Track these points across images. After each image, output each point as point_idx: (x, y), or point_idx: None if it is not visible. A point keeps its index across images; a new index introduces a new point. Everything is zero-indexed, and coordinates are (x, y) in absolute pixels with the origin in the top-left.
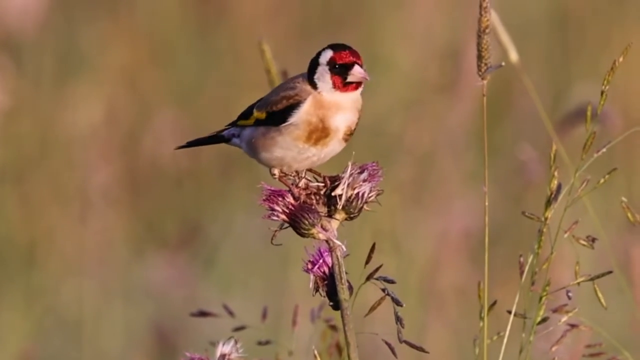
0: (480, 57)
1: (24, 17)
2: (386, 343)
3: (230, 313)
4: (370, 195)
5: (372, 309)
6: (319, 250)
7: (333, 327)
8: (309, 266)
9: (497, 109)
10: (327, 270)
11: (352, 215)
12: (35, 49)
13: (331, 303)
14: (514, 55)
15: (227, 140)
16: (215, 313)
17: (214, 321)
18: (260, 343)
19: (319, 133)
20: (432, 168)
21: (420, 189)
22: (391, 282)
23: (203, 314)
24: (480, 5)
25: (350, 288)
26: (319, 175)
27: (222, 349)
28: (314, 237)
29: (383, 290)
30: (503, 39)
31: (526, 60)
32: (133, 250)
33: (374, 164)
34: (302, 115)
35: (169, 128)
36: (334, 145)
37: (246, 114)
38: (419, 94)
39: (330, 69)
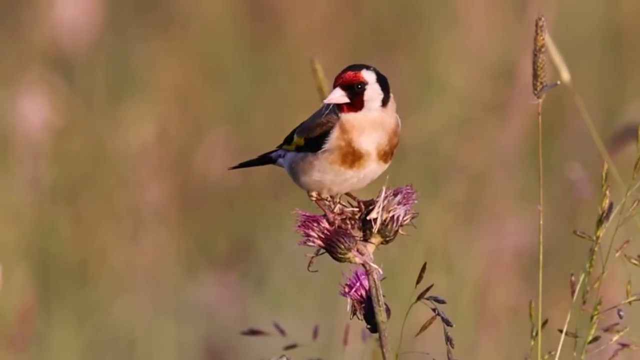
0: (535, 76)
1: (76, 36)
2: None
3: (282, 331)
4: (405, 218)
5: (423, 328)
6: (356, 274)
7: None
8: (346, 289)
9: (549, 128)
10: (364, 294)
11: (387, 239)
12: (87, 68)
13: (368, 326)
14: (565, 75)
15: (274, 161)
16: (266, 331)
17: (265, 340)
18: None
19: (351, 156)
20: (484, 187)
21: (473, 208)
22: (442, 302)
23: (254, 332)
24: (536, 24)
25: (388, 310)
26: (354, 199)
27: None
28: (350, 262)
29: (433, 310)
30: (555, 58)
31: (579, 79)
32: (184, 269)
33: (408, 187)
34: (333, 141)
35: (221, 146)
36: (372, 167)
37: (289, 139)
38: (472, 113)
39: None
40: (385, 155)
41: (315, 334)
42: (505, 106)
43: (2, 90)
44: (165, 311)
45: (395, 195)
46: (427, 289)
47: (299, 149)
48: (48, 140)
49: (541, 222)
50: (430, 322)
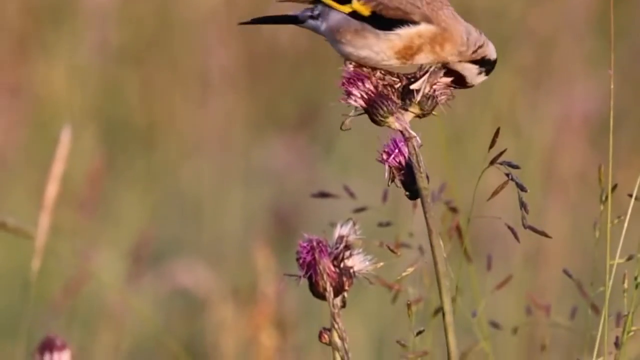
0: None
1: None
2: (509, 227)
3: (351, 194)
4: (442, 96)
5: (495, 193)
6: (394, 141)
7: (453, 210)
8: (384, 157)
9: None
10: (402, 161)
11: (424, 113)
12: None
13: (407, 193)
14: None
15: (300, 21)
16: (336, 194)
17: (332, 203)
18: (380, 224)
19: (408, 52)
20: (553, 51)
21: (542, 73)
22: (515, 167)
23: (323, 195)
24: None
25: (427, 177)
26: (393, 73)
27: (340, 230)
28: (389, 126)
29: (507, 175)
30: None
31: None
32: (252, 133)
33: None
34: (412, 33)
35: (289, 8)
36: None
37: None
38: None
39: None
40: None
41: (384, 197)
42: None
43: None
44: (233, 175)
45: (440, 69)
46: (500, 154)
47: (356, 16)
48: (116, 2)
49: (612, 86)
50: (502, 187)
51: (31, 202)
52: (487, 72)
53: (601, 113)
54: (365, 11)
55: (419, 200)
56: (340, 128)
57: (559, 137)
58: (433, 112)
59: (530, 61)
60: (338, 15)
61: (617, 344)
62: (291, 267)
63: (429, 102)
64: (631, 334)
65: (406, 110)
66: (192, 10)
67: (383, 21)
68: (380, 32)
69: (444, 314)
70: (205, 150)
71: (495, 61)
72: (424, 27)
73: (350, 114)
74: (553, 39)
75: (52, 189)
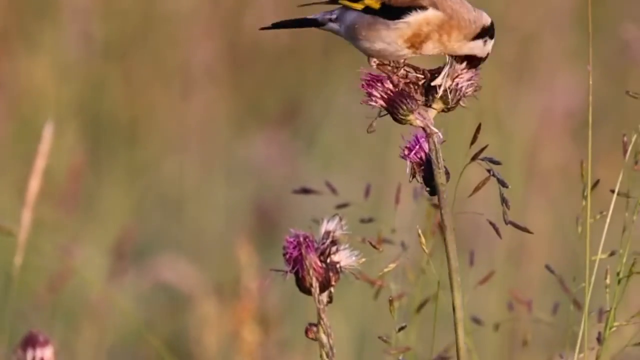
0: None
1: None
2: (491, 223)
3: (333, 190)
4: (468, 88)
5: (477, 189)
6: (416, 137)
7: (436, 206)
8: (406, 152)
9: None
10: (423, 156)
11: (448, 107)
12: None
13: (427, 189)
14: None
15: (320, 24)
16: (317, 190)
17: (314, 199)
18: (362, 221)
19: (419, 40)
20: (535, 46)
21: (523, 68)
22: (497, 163)
23: (305, 191)
24: None
25: (447, 173)
26: (418, 69)
27: (327, 225)
28: (411, 124)
29: (488, 171)
30: None
31: None
32: (234, 128)
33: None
34: (420, 19)
35: (272, 4)
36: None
37: None
38: None
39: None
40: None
41: (367, 192)
42: None
43: None
44: (215, 170)
45: (460, 62)
46: (482, 150)
47: (368, 11)
48: None
49: (590, 82)
50: (483, 183)
51: (13, 197)
52: (492, 36)
53: (582, 108)
54: (375, 4)
55: (401, 197)
56: (367, 131)
57: (541, 132)
58: (461, 104)
59: (512, 56)
60: (353, 13)
61: (599, 340)
62: (274, 262)
63: (452, 95)
64: (613, 329)
65: (429, 106)
66: (175, 5)
67: (392, 11)
68: (390, 22)
69: (454, 309)
70: (188, 145)
71: (492, 24)
72: (431, 13)
73: (374, 116)
74: (535, 34)
75: (34, 185)
